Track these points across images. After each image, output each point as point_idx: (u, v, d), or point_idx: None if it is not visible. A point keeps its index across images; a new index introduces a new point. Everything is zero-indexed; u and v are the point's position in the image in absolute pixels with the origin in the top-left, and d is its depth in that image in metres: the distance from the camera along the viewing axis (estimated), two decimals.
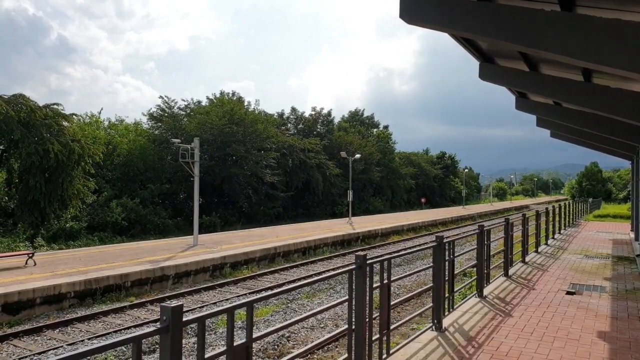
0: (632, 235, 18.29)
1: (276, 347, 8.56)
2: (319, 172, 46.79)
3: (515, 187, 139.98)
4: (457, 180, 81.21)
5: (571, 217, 25.84)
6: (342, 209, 46.74)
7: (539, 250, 14.11)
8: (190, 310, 11.41)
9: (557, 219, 19.07)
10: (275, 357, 8.13)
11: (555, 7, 5.54)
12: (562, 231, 20.50)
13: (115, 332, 9.95)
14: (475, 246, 8.12)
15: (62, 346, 9.06)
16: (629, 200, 43.19)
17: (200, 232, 21.52)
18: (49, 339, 9.57)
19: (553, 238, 17.49)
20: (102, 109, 47.40)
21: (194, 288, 13.83)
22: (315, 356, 8.02)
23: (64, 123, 26.67)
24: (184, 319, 2.64)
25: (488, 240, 8.40)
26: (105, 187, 32.33)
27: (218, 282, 14.57)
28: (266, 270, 16.60)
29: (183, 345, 8.64)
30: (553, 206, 18.46)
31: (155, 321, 10.43)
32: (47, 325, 10.16)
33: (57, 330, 10.10)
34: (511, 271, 10.38)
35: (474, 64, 10.00)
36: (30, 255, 14.66)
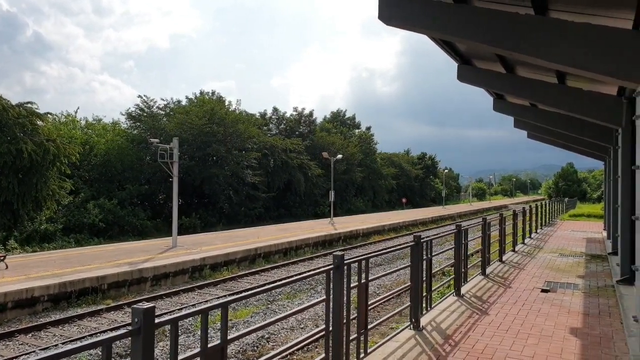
0: (605, 234, 18.73)
1: (255, 348, 8.52)
2: (301, 172, 46.74)
3: (494, 187, 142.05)
4: (437, 181, 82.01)
5: (548, 216, 26.32)
6: (324, 209, 46.78)
7: (516, 249, 14.34)
8: (168, 312, 11.28)
9: (534, 218, 19.42)
10: (255, 359, 8.09)
11: (529, 10, 5.65)
12: (538, 230, 20.88)
13: (91, 335, 9.77)
14: (453, 245, 8.21)
15: (34, 351, 8.87)
16: (602, 200, 44.25)
17: (180, 234, 21.29)
18: (21, 344, 9.36)
19: (530, 237, 17.80)
20: (78, 108, 46.45)
21: (173, 290, 13.67)
22: (295, 357, 8.01)
23: (38, 122, 26.06)
24: (157, 321, 2.61)
25: (465, 240, 8.50)
26: (82, 188, 31.72)
27: (197, 284, 14.44)
28: (246, 272, 16.52)
29: (160, 348, 8.53)
30: (530, 206, 18.80)
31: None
32: (20, 330, 9.92)
33: (30, 334, 9.87)
34: (488, 270, 10.53)
35: (455, 65, 10.12)
36: (2, 258, 14.31)
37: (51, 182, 25.78)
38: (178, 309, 11.73)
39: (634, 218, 5.43)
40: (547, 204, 28.29)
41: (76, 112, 39.78)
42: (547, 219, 26.10)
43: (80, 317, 10.98)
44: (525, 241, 16.45)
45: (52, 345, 9.13)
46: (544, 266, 11.62)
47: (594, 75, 5.34)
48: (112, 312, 11.58)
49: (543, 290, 8.78)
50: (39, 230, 25.66)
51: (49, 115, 28.56)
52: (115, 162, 35.06)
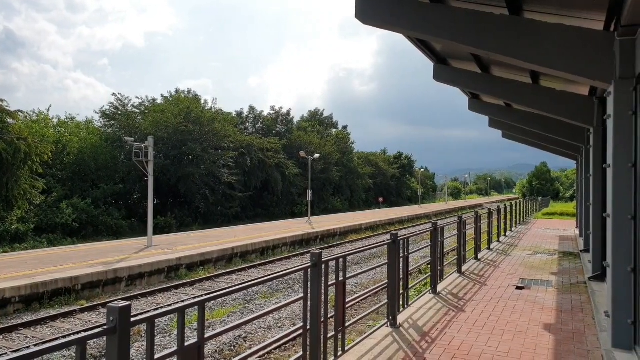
0: (577, 231, 19.21)
1: (232, 347, 8.46)
2: (278, 171, 46.59)
3: (469, 186, 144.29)
4: (414, 180, 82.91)
5: (522, 215, 26.87)
6: (302, 208, 46.75)
7: (492, 247, 14.58)
8: (144, 312, 11.09)
9: (508, 217, 19.78)
10: (232, 358, 8.03)
11: (504, 11, 5.74)
12: (513, 229, 21.28)
13: (64, 337, 9.55)
14: (430, 244, 8.29)
15: (5, 353, 8.61)
16: (575, 198, 45.38)
17: (155, 233, 20.99)
18: None
19: (505, 235, 18.13)
20: (50, 106, 45.19)
21: (148, 290, 13.46)
22: (272, 355, 7.99)
23: (8, 120, 25.33)
24: (133, 319, 2.56)
25: (442, 238, 8.59)
26: (55, 187, 30.96)
27: (173, 284, 14.25)
28: (223, 271, 16.37)
29: (136, 349, 8.39)
30: (505, 205, 19.13)
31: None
32: None
33: (1, 337, 9.59)
34: (464, 268, 10.68)
35: (431, 65, 10.21)
36: None
37: (22, 181, 25.11)
38: (154, 309, 11.55)
39: (605, 215, 5.58)
40: (522, 203, 28.87)
41: (48, 110, 38.74)
42: (522, 218, 26.64)
43: (53, 318, 10.72)
44: (501, 239, 16.74)
45: (24, 347, 8.89)
46: (519, 264, 11.84)
47: (566, 75, 5.46)
48: (86, 312, 11.33)
49: (518, 288, 8.94)
50: (10, 231, 24.95)
51: (19, 113, 27.78)
52: (89, 161, 34.33)
